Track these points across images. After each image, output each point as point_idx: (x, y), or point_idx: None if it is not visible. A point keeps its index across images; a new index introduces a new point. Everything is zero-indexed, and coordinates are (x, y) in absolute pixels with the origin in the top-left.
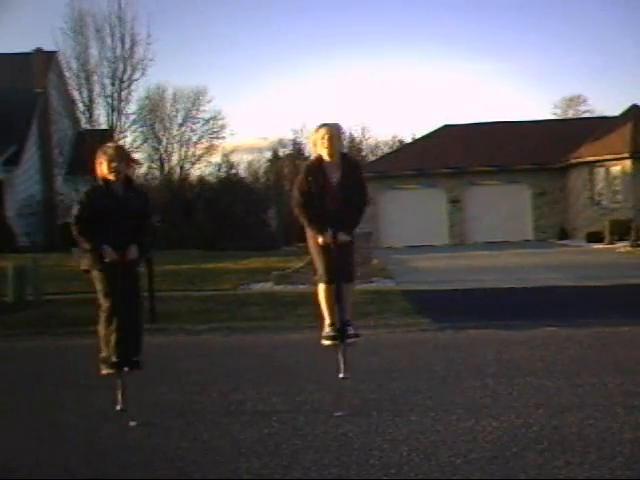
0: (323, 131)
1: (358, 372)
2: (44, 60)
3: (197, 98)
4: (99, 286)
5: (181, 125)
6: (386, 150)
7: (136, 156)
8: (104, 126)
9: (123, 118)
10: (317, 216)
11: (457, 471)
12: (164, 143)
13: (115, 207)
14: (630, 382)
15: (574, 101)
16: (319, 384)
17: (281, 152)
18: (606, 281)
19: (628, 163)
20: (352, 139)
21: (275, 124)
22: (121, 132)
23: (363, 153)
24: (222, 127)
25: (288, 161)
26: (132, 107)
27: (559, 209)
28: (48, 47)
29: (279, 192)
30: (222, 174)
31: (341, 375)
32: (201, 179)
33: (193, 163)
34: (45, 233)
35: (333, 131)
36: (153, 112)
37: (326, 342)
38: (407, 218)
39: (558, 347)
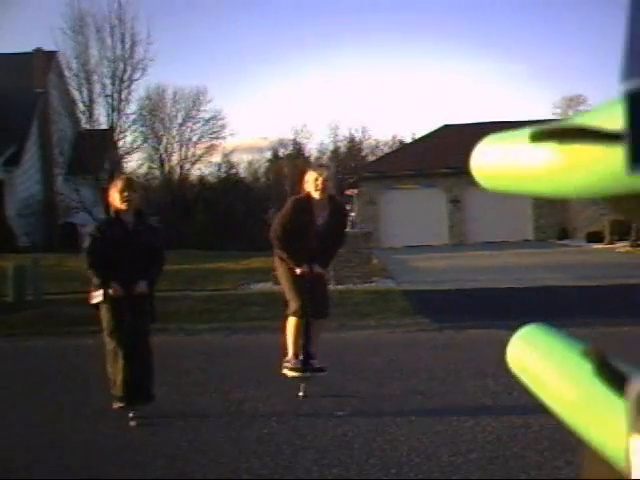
0: (318, 174)
1: (358, 372)
2: (44, 60)
3: (197, 98)
4: (105, 324)
5: (181, 125)
6: (386, 150)
7: (136, 156)
8: (104, 126)
9: (123, 118)
10: (296, 250)
11: (457, 471)
12: (164, 143)
13: (125, 237)
14: None
15: (574, 101)
16: (319, 384)
17: (281, 152)
18: (606, 281)
19: None
20: (352, 139)
21: (275, 124)
22: (121, 132)
23: (363, 153)
24: (222, 127)
25: (288, 161)
26: (132, 107)
27: (559, 209)
28: (48, 47)
29: (279, 192)
30: (222, 174)
31: (301, 393)
32: (201, 179)
33: (193, 163)
34: (45, 233)
35: (328, 175)
36: (153, 112)
37: (291, 373)
38: (407, 218)
39: None
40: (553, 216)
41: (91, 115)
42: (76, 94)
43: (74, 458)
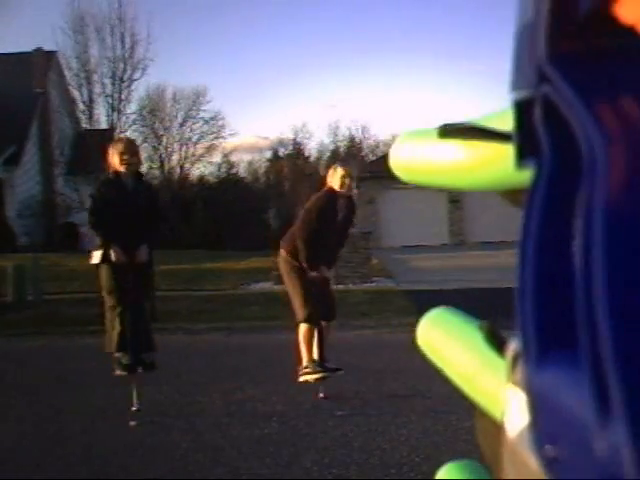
0: (346, 170)
1: (358, 372)
2: (44, 60)
3: (197, 98)
4: (103, 282)
5: (181, 125)
6: (386, 150)
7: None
8: (104, 126)
9: (123, 118)
10: (316, 251)
11: None
12: (164, 143)
13: (125, 198)
14: None
15: None
16: (319, 384)
17: (281, 152)
18: None
19: None
20: (352, 139)
21: (275, 124)
22: (121, 132)
23: (363, 153)
24: (222, 127)
25: (288, 161)
26: (132, 107)
27: None
28: (48, 47)
29: (279, 192)
30: (222, 174)
31: (321, 395)
32: (201, 179)
33: (193, 163)
34: (45, 233)
35: (354, 172)
36: (153, 112)
37: (312, 377)
38: (407, 218)
39: None
40: None
41: (91, 115)
42: (76, 94)
43: (74, 458)
